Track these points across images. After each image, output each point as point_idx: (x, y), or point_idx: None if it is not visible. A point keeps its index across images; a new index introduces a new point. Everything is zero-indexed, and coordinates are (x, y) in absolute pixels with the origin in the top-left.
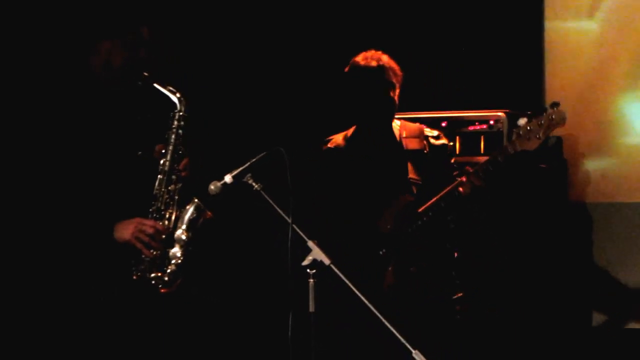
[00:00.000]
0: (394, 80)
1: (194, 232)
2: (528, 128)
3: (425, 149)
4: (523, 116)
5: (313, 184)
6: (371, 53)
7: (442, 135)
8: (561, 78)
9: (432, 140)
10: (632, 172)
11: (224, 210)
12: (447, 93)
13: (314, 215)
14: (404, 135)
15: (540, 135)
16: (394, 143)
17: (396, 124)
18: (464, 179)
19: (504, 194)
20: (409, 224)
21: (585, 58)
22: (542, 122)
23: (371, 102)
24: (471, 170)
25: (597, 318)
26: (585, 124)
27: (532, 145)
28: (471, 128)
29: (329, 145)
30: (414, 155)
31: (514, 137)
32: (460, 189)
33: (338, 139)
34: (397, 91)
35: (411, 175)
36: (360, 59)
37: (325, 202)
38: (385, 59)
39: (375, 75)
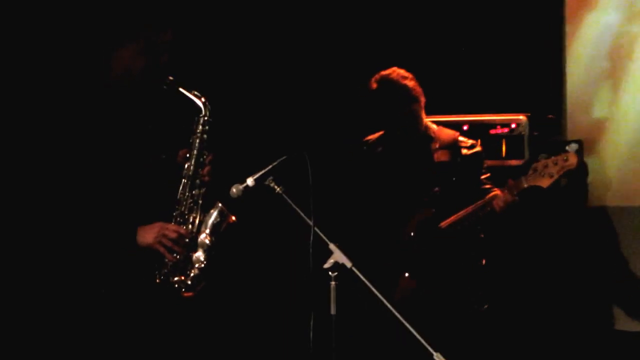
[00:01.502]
0: (405, 98)
1: (217, 236)
2: (545, 165)
3: (455, 160)
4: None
5: (351, 182)
6: (380, 75)
7: (477, 144)
8: (582, 81)
9: (464, 151)
10: None
11: (247, 214)
12: (469, 97)
13: (339, 216)
14: (436, 146)
15: (554, 174)
16: (424, 154)
17: (433, 129)
18: (498, 192)
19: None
20: (430, 235)
21: (606, 60)
22: (557, 162)
23: (390, 123)
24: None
25: (619, 321)
26: (605, 128)
27: (545, 183)
28: (492, 132)
29: (369, 143)
30: (441, 168)
31: (529, 172)
32: (494, 206)
33: (372, 139)
34: (415, 105)
35: (438, 187)
36: (371, 82)
37: (356, 204)
38: (393, 76)
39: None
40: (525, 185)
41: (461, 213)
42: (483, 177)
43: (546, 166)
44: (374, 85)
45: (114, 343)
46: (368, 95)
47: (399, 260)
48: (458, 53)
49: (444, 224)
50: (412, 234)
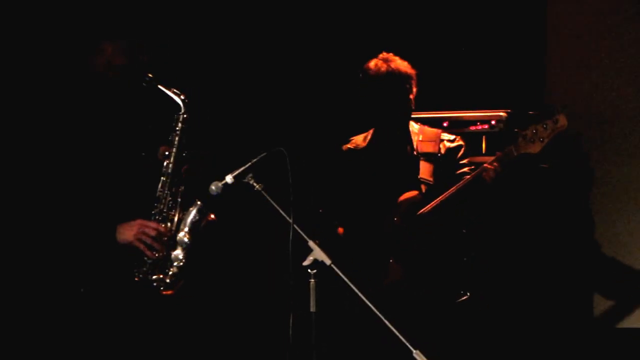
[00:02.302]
0: (406, 85)
1: (196, 234)
2: (534, 131)
3: (439, 152)
4: (525, 117)
5: (331, 182)
6: (382, 57)
7: (458, 138)
8: (563, 77)
9: (447, 144)
10: (634, 171)
11: (226, 213)
12: (449, 93)
13: (326, 213)
14: (420, 138)
15: (545, 139)
16: (409, 146)
17: (414, 128)
18: (488, 166)
19: (507, 194)
20: (415, 220)
21: (588, 57)
22: (547, 126)
23: (384, 108)
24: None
25: (601, 316)
26: (587, 123)
27: (536, 148)
28: (473, 128)
29: (349, 146)
30: (427, 158)
31: (519, 140)
32: (484, 175)
33: (358, 139)
34: (411, 93)
35: (423, 175)
36: (371, 64)
37: (340, 200)
38: (396, 63)
39: (386, 81)
40: (516, 154)
41: (445, 194)
42: (462, 162)
43: (535, 132)
44: (381, 70)
45: (92, 340)
46: (369, 82)
47: (385, 247)
48: (438, 49)
49: (425, 209)
50: (396, 219)
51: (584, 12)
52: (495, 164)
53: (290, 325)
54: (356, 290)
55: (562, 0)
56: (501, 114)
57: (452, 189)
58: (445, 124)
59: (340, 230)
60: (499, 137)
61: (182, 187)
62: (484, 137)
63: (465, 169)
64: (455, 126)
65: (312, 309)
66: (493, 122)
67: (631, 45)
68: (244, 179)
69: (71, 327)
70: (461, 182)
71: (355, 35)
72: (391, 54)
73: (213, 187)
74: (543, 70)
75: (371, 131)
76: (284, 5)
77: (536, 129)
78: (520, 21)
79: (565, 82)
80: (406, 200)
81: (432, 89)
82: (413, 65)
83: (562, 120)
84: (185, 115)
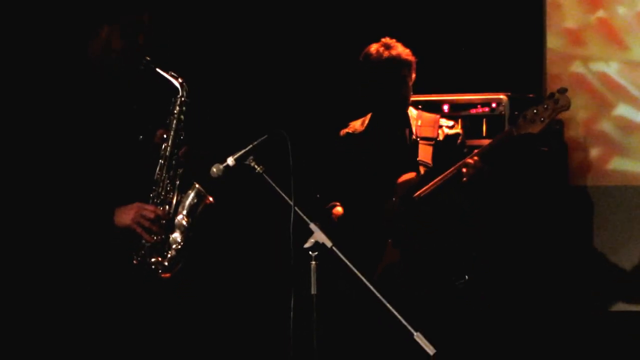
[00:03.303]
0: (404, 72)
1: (194, 217)
2: (534, 112)
3: (438, 137)
4: (525, 99)
5: (328, 167)
6: (384, 42)
7: (457, 125)
8: (562, 60)
9: (446, 130)
10: (631, 155)
11: (225, 195)
12: (449, 76)
13: (325, 196)
14: (419, 123)
15: (545, 119)
16: (408, 131)
17: (413, 113)
18: (469, 159)
19: (506, 178)
20: (412, 202)
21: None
22: (548, 106)
23: (383, 93)
24: (476, 152)
25: (596, 301)
26: (586, 107)
27: (536, 128)
28: (473, 111)
29: (347, 130)
30: (426, 142)
31: (519, 120)
32: (464, 169)
33: (356, 124)
34: (411, 80)
35: (422, 157)
36: (373, 49)
37: (338, 184)
38: (397, 49)
39: (387, 66)
40: (515, 134)
41: (438, 179)
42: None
43: (536, 112)
44: (383, 55)
45: (91, 323)
46: (369, 66)
47: (384, 229)
48: (438, 32)
49: (421, 191)
50: (394, 199)
51: None
52: (475, 158)
53: (291, 307)
54: (357, 273)
55: None
56: (501, 96)
57: (448, 171)
58: (445, 107)
59: (336, 212)
60: (499, 120)
61: (180, 170)
62: (484, 120)
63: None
64: (455, 109)
65: (313, 291)
66: (493, 105)
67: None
68: (245, 161)
69: (69, 310)
70: (447, 171)
71: (354, 20)
72: (393, 39)
73: (214, 170)
74: (542, 53)
75: (369, 116)
76: None
77: (537, 109)
78: (520, 4)
79: (563, 66)
80: (404, 181)
81: (432, 72)
82: (414, 48)
83: (563, 100)
84: (183, 98)
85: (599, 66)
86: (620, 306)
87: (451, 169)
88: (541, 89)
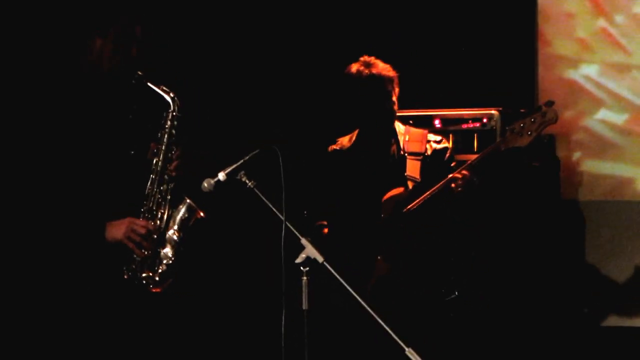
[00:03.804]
0: (389, 88)
1: (185, 232)
2: (521, 125)
3: (426, 152)
4: (516, 114)
5: (316, 183)
6: (363, 61)
7: (445, 139)
8: (554, 76)
9: (434, 145)
10: (623, 169)
11: (216, 210)
12: (441, 91)
13: (313, 212)
14: (406, 138)
15: (533, 132)
16: (396, 145)
17: (401, 128)
18: (457, 174)
19: (497, 193)
20: (401, 217)
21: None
22: (535, 119)
23: (367, 110)
24: (465, 165)
25: (589, 316)
26: (577, 122)
27: (524, 141)
28: (464, 126)
29: (334, 147)
30: (414, 157)
31: (507, 134)
32: (453, 184)
33: (344, 140)
34: (395, 94)
35: (410, 173)
36: (353, 68)
37: (326, 200)
38: (378, 66)
39: (368, 84)
40: (503, 148)
41: (427, 194)
42: (451, 165)
43: (523, 126)
44: (363, 74)
45: (81, 338)
46: (351, 86)
47: (373, 244)
48: (429, 47)
49: (411, 206)
50: (382, 216)
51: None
52: (464, 172)
53: (282, 322)
54: (348, 288)
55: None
56: (493, 112)
57: (437, 186)
58: (437, 122)
59: (325, 230)
60: (491, 135)
61: (172, 185)
62: (475, 135)
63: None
64: (447, 124)
65: (304, 306)
66: (485, 120)
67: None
68: (237, 176)
69: (61, 325)
70: (436, 186)
71: (345, 35)
72: (372, 57)
73: (205, 184)
74: (534, 69)
75: (356, 132)
76: (273, 9)
77: (524, 122)
78: (511, 20)
79: (555, 81)
80: (392, 197)
81: (424, 87)
82: (405, 63)
83: (551, 113)
84: (174, 113)
85: (592, 81)
86: (612, 321)
87: (440, 184)
88: (533, 104)
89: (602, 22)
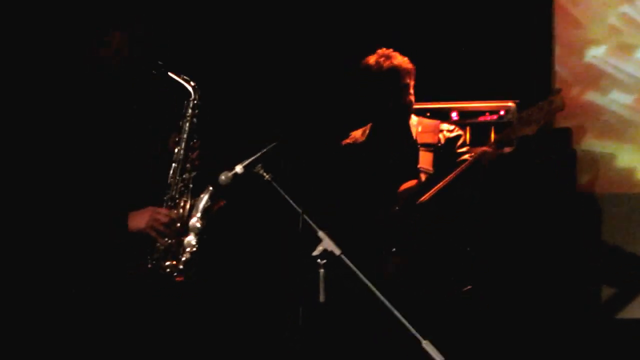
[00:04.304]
0: (407, 80)
1: (208, 220)
2: (529, 113)
3: (439, 142)
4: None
5: (330, 177)
6: (382, 53)
7: (457, 128)
8: (570, 68)
9: (446, 134)
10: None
11: (236, 201)
12: (457, 84)
13: (327, 206)
14: (419, 130)
15: (541, 120)
16: (409, 139)
17: (413, 120)
18: (486, 148)
19: (512, 185)
20: (415, 209)
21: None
22: (542, 107)
23: (384, 103)
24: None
25: (605, 308)
26: (593, 114)
27: (532, 130)
28: (481, 119)
29: (347, 141)
30: (427, 148)
31: (514, 123)
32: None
33: (357, 134)
34: (412, 87)
35: (423, 165)
36: (372, 60)
37: (339, 194)
38: (397, 58)
39: (387, 77)
40: (512, 137)
41: (444, 181)
42: (460, 150)
43: (531, 114)
44: (383, 66)
45: (107, 330)
46: (370, 78)
47: (387, 237)
48: (446, 40)
49: (424, 197)
50: (396, 208)
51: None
52: (492, 147)
53: (300, 315)
54: (365, 281)
55: None
56: (509, 104)
57: (451, 175)
58: (454, 114)
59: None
60: (507, 127)
61: (194, 173)
62: (492, 127)
63: (466, 157)
64: (463, 117)
65: (321, 299)
66: (502, 113)
67: None
68: (254, 169)
69: (84, 316)
70: (459, 167)
71: (360, 28)
72: (390, 49)
73: (223, 177)
74: (550, 60)
75: (369, 125)
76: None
77: (531, 111)
78: (528, 12)
79: (571, 74)
80: (406, 189)
81: (440, 80)
82: (422, 56)
83: (557, 102)
84: (195, 102)
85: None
86: (627, 313)
87: (454, 173)
88: (549, 95)
89: (625, 8)
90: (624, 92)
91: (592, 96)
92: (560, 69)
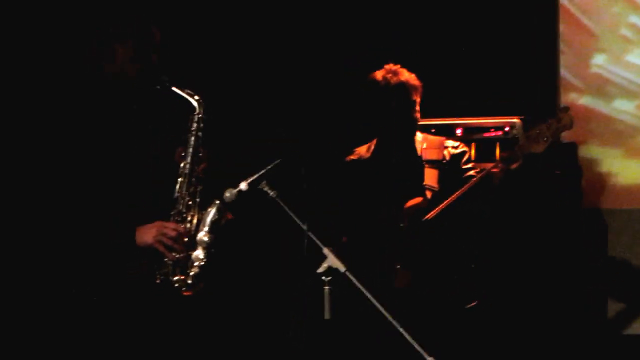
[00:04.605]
0: (414, 97)
1: (216, 234)
2: (537, 131)
3: (444, 159)
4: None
5: (334, 193)
6: (389, 69)
7: (462, 144)
8: (576, 84)
9: (451, 150)
10: None
11: (241, 218)
12: (463, 100)
13: (332, 222)
14: (424, 146)
15: (549, 138)
16: (414, 155)
17: (418, 137)
18: (494, 168)
19: (519, 200)
20: (421, 226)
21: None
22: (551, 125)
23: (391, 119)
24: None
25: (611, 324)
26: (599, 130)
27: (540, 148)
28: (486, 135)
29: (352, 157)
30: (432, 165)
31: (522, 141)
32: (490, 175)
33: (362, 150)
34: (418, 104)
35: (428, 182)
36: (379, 76)
37: (345, 210)
38: (404, 74)
39: (395, 93)
40: (520, 154)
41: (451, 198)
42: (465, 166)
43: (539, 132)
44: (391, 82)
45: (115, 345)
46: (377, 94)
47: (393, 253)
48: (451, 55)
49: (431, 214)
50: (402, 225)
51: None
52: (500, 165)
53: (304, 332)
54: (371, 298)
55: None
56: (515, 120)
57: (458, 193)
58: (459, 131)
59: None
60: (513, 143)
61: (200, 187)
62: (497, 143)
63: (471, 173)
64: (469, 133)
65: (327, 316)
66: (507, 129)
67: None
68: (258, 185)
69: (92, 331)
70: (467, 185)
71: (365, 43)
72: (398, 65)
73: (227, 194)
74: (555, 77)
75: (374, 141)
76: (291, 18)
77: (540, 129)
78: (532, 27)
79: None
80: (412, 206)
81: (446, 96)
82: (426, 72)
83: (566, 119)
84: (200, 115)
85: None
86: (633, 329)
87: (461, 190)
88: (555, 111)
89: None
90: (629, 100)
91: (597, 105)
92: (566, 80)
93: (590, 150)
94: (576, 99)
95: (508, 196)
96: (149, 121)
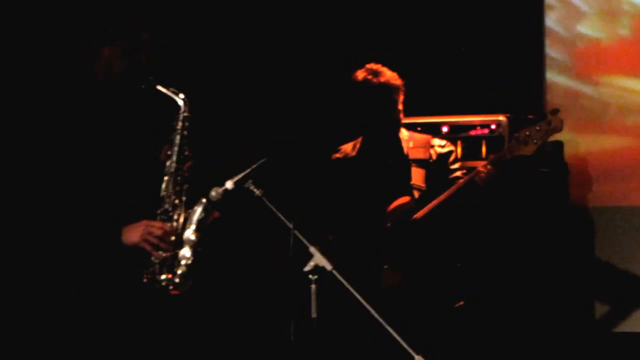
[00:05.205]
0: (395, 96)
1: (203, 232)
2: (527, 133)
3: (430, 158)
4: (525, 121)
5: (320, 192)
6: (370, 69)
7: (448, 143)
8: (562, 82)
9: (438, 149)
10: (632, 175)
11: (227, 217)
12: (448, 98)
13: (318, 221)
14: (410, 145)
15: (538, 140)
16: (400, 153)
17: (404, 135)
18: (482, 169)
19: (505, 198)
20: (408, 226)
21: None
22: (541, 128)
23: (373, 119)
24: (488, 160)
25: (598, 322)
26: (586, 128)
27: (529, 150)
28: (472, 133)
29: (337, 155)
30: (419, 164)
31: (512, 142)
32: (476, 178)
33: (347, 148)
34: (400, 102)
35: (415, 181)
36: (360, 76)
37: (330, 209)
38: (385, 75)
39: (376, 93)
40: (509, 156)
41: (438, 199)
42: (452, 166)
43: (528, 134)
44: (371, 83)
45: (101, 344)
46: (358, 94)
47: (380, 253)
48: (436, 53)
49: (418, 214)
50: (388, 224)
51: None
52: (488, 166)
53: (291, 331)
54: (357, 296)
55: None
56: (501, 118)
57: (446, 193)
58: (445, 128)
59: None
60: (499, 141)
61: (186, 186)
62: (483, 141)
63: (458, 173)
64: (454, 131)
65: (313, 314)
66: (493, 127)
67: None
68: (244, 184)
69: (77, 331)
70: (454, 186)
71: (350, 41)
72: (379, 65)
73: (213, 193)
74: (542, 74)
75: (360, 139)
76: (280, 16)
77: (529, 131)
78: (519, 25)
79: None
80: (399, 206)
81: (431, 94)
82: (411, 69)
83: (555, 122)
84: (185, 114)
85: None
86: (622, 327)
87: (449, 191)
88: (541, 109)
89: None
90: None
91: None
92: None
93: (577, 148)
94: (562, 95)
95: (495, 195)
96: (135, 120)
